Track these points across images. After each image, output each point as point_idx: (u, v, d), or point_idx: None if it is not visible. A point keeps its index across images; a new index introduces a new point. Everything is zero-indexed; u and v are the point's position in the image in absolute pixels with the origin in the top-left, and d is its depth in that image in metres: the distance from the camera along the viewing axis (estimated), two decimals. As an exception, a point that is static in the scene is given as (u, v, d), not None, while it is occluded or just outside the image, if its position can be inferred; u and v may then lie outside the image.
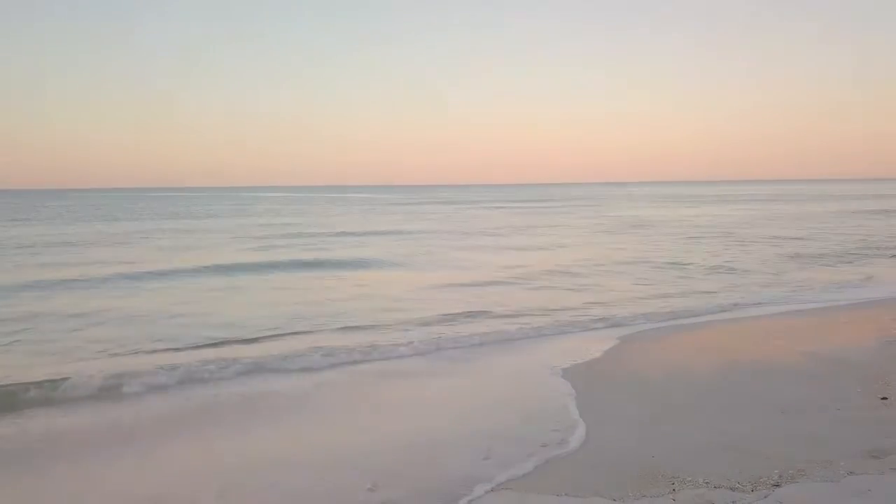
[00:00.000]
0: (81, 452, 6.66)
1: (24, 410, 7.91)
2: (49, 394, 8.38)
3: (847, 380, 8.38)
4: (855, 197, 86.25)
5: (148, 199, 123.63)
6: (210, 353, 10.39)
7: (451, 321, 12.96)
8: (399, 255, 25.47)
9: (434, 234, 36.31)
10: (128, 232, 39.80)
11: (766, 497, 5.16)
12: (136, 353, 10.62)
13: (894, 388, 7.88)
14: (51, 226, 46.45)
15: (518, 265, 21.86)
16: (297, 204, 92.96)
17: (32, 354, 10.65)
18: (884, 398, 7.55)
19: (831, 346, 10.22)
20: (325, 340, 11.31)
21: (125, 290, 17.37)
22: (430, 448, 6.56)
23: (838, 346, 10.14)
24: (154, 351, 10.74)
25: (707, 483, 5.49)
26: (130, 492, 5.75)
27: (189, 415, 7.86)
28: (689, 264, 21.54)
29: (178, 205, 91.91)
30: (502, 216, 56.18)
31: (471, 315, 13.51)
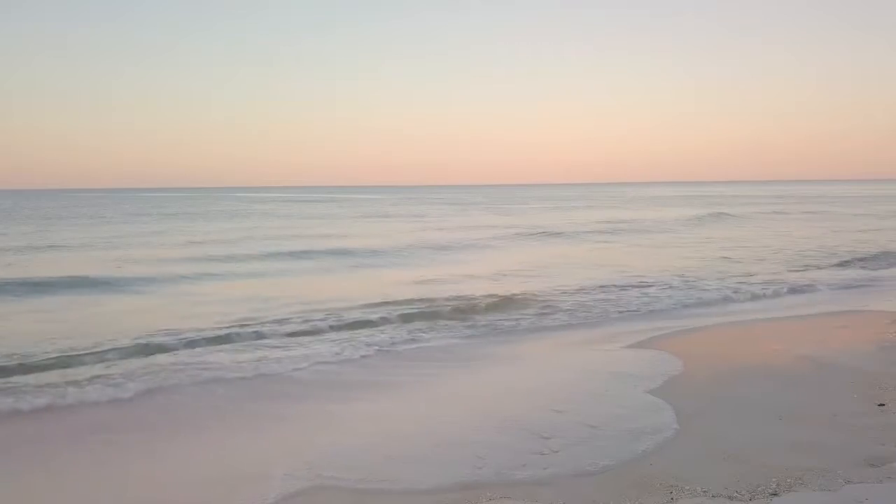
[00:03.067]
0: None
1: None
2: None
3: (844, 386, 8.37)
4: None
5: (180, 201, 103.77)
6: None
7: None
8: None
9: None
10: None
11: (763, 507, 5.15)
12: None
13: (891, 394, 7.88)
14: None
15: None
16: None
17: None
18: (881, 405, 7.54)
19: (828, 351, 10.21)
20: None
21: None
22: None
23: (835, 352, 10.13)
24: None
25: (705, 492, 5.47)
26: None
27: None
28: None
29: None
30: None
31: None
